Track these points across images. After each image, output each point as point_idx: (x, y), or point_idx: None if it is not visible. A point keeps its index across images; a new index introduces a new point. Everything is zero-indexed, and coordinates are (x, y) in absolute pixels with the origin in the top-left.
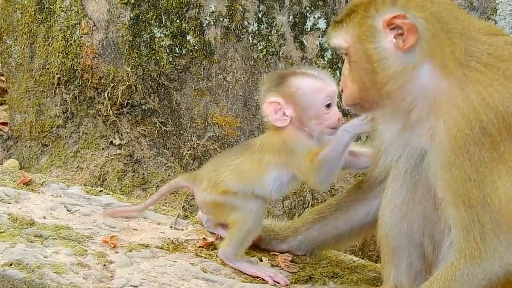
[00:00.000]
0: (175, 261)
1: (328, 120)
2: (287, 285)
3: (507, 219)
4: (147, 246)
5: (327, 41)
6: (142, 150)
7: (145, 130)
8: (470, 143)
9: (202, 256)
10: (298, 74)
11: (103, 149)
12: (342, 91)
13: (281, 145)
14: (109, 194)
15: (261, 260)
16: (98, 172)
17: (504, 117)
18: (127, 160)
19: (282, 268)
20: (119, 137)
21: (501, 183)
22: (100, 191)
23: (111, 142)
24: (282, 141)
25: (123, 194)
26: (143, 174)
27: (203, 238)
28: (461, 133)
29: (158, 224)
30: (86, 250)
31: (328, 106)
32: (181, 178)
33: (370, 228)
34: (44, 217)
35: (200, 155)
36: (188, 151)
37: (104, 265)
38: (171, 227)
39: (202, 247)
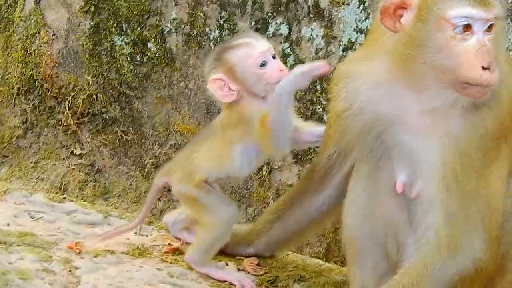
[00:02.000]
0: (141, 267)
1: (270, 78)
2: None
3: (490, 215)
4: (113, 252)
5: (487, 8)
6: (103, 159)
7: (106, 139)
8: (494, 136)
9: (168, 261)
10: (228, 48)
11: (63, 159)
12: (489, 69)
13: (238, 119)
14: (73, 201)
15: (227, 265)
16: (59, 182)
17: None
18: (88, 170)
19: (249, 272)
20: (80, 146)
21: (492, 179)
22: (64, 198)
23: (72, 152)
24: (240, 115)
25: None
26: (105, 183)
27: (169, 244)
28: (496, 126)
29: None
30: (51, 256)
31: (263, 65)
32: (157, 178)
33: (329, 216)
34: (8, 224)
35: (162, 164)
36: (150, 159)
37: (70, 271)
38: (136, 233)
39: (168, 253)
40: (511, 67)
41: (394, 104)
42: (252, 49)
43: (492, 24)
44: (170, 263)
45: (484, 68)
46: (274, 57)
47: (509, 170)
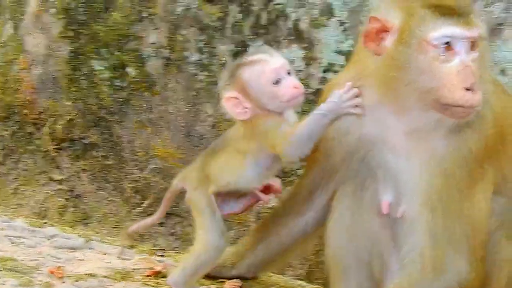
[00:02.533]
0: None
1: (284, 95)
2: None
3: (475, 236)
4: (94, 275)
5: (469, 26)
6: (83, 184)
7: (85, 165)
8: (478, 157)
9: (150, 285)
10: (242, 65)
11: (43, 185)
12: (472, 90)
13: (252, 132)
14: (53, 225)
15: None
16: (38, 208)
17: (504, 135)
18: (68, 195)
19: None
20: (59, 172)
21: (477, 200)
22: (44, 223)
23: (51, 177)
24: (253, 128)
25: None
26: (84, 209)
27: (151, 267)
28: (480, 147)
29: (104, 254)
30: (32, 281)
31: (278, 82)
32: (177, 180)
33: (313, 238)
34: None
35: (142, 188)
36: (129, 184)
37: None
38: (118, 257)
39: (150, 276)
40: (495, 86)
41: (379, 126)
42: (266, 66)
43: (475, 42)
44: (153, 286)
45: (467, 89)
46: (289, 73)
47: (493, 190)
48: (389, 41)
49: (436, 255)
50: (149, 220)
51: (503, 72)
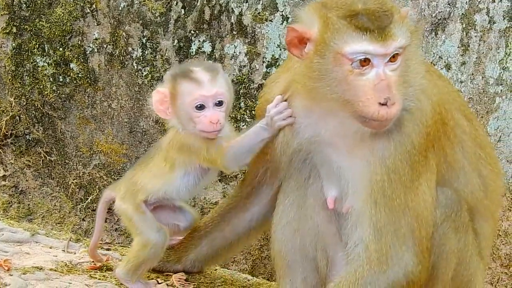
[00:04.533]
0: (70, 283)
1: (199, 123)
2: None
3: (420, 227)
4: (41, 268)
5: (385, 42)
6: (27, 180)
7: (29, 161)
8: (421, 149)
9: (96, 278)
10: (182, 74)
11: None
12: (388, 103)
13: (182, 145)
14: (0, 220)
15: (158, 282)
16: None
17: (445, 121)
18: (12, 191)
19: None
20: (3, 168)
21: (421, 191)
22: None
23: None
24: (183, 142)
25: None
26: (29, 205)
27: (92, 262)
28: (422, 139)
29: (51, 248)
30: None
31: (200, 108)
32: (107, 192)
33: (257, 232)
34: None
35: (86, 184)
36: (73, 180)
37: None
38: (64, 250)
39: (96, 269)
40: (430, 74)
41: (318, 128)
42: (196, 89)
43: (396, 53)
44: (99, 279)
45: (382, 104)
46: (219, 104)
47: (436, 179)
48: (308, 49)
49: (381, 248)
50: (94, 238)
51: (447, 66)
